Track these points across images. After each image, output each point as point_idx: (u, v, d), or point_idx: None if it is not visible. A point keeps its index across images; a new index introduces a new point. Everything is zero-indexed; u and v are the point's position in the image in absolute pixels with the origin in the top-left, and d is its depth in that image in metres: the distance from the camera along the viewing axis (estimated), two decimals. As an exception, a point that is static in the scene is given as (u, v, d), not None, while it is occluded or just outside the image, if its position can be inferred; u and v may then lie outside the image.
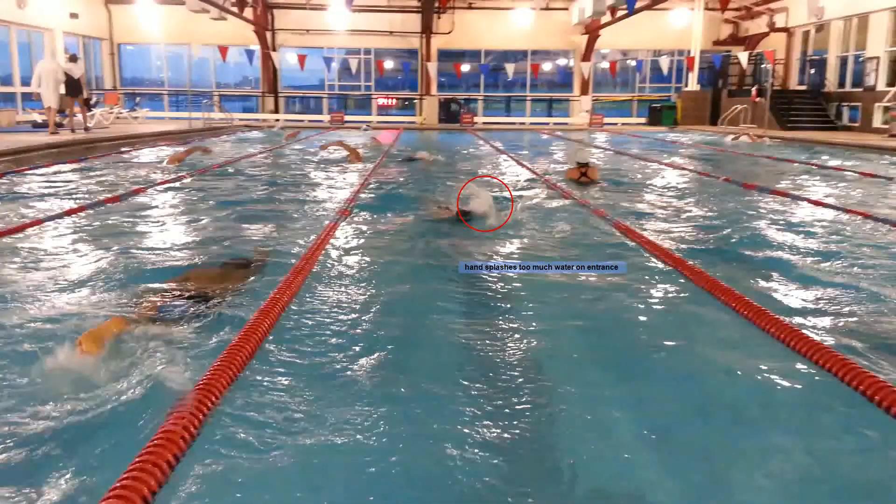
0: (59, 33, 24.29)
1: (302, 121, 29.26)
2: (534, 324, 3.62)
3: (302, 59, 27.24)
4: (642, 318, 3.75)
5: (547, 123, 29.65)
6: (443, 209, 6.80)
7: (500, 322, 3.65)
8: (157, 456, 1.97)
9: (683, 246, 5.59)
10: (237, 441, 2.34)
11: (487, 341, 3.35)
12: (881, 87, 21.53)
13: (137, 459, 1.95)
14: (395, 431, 2.46)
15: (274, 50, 28.94)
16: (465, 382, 2.89)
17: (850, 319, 3.73)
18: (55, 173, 10.17)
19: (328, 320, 3.60)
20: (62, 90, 16.36)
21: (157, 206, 7.40)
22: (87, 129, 17.47)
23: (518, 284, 4.36)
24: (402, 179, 9.96)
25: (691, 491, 2.17)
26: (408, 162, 12.43)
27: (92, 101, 21.06)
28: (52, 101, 15.88)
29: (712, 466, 2.30)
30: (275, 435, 2.40)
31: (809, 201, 8.00)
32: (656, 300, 4.05)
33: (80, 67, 17.10)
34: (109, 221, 6.38)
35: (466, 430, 2.48)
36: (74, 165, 11.29)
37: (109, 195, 7.86)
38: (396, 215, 6.83)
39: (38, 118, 19.02)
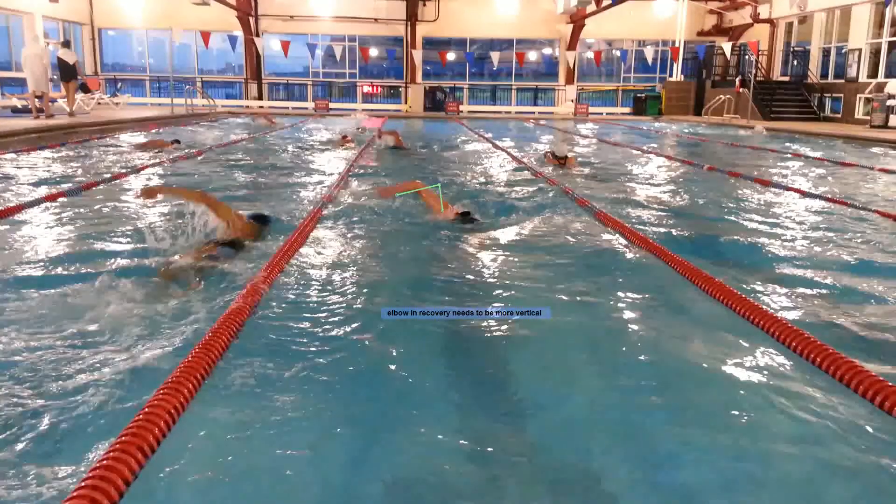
0: (39, 17, 23.90)
1: (286, 108, 29.07)
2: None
3: (286, 45, 27.01)
4: (620, 305, 3.77)
5: (532, 112, 29.66)
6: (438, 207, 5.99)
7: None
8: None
9: (663, 232, 5.62)
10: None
11: (465, 326, 3.36)
12: (863, 78, 21.73)
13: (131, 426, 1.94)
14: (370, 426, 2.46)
15: (257, 36, 28.68)
16: (444, 371, 2.91)
17: (828, 306, 3.78)
18: (39, 158, 10.04)
19: (307, 308, 3.59)
20: (50, 74, 16.29)
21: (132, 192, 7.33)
22: (72, 114, 17.33)
23: (502, 271, 4.37)
24: (383, 169, 9.91)
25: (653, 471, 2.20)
26: (390, 149, 12.37)
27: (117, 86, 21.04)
28: (36, 85, 15.71)
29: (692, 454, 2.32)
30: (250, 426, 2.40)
31: (791, 189, 8.08)
32: (637, 288, 4.07)
33: (73, 53, 17.19)
34: (87, 207, 6.31)
35: (445, 424, 2.49)
36: (55, 150, 11.14)
37: (86, 181, 7.77)
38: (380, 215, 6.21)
39: (18, 103, 18.76)
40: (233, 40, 26.90)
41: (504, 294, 3.90)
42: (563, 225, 5.76)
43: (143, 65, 30.57)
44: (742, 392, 2.70)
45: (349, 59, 30.36)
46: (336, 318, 3.39)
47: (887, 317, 3.61)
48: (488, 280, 4.17)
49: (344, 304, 3.60)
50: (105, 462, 1.82)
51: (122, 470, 1.79)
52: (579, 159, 11.03)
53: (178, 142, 12.39)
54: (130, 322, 3.21)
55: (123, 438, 1.94)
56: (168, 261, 4.17)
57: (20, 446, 2.19)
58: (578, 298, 3.81)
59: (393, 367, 2.89)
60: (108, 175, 8.31)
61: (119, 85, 28.23)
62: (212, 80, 31.02)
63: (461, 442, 2.32)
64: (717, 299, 3.66)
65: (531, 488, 2.09)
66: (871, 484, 2.15)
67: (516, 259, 4.64)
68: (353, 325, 3.30)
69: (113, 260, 4.43)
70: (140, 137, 13.81)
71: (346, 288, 3.90)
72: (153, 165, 9.48)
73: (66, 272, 4.15)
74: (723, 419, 2.51)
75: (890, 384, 2.50)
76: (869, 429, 2.40)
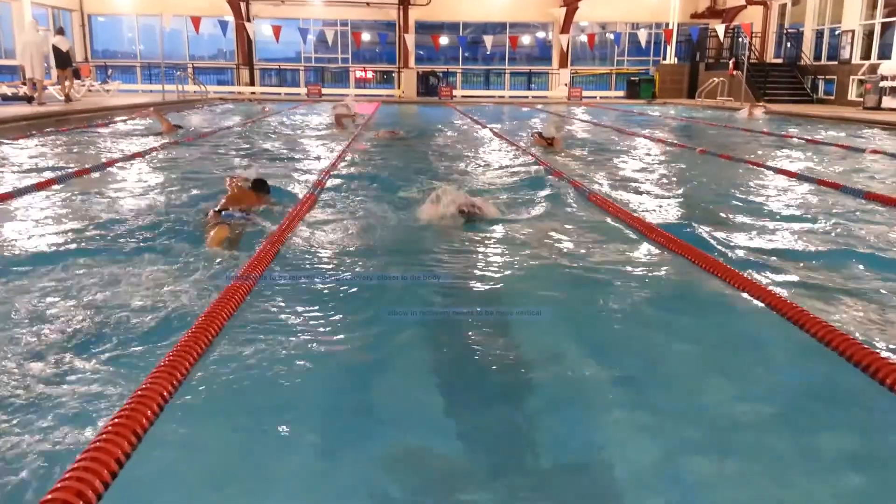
0: (27, 4, 23.63)
1: (279, 93, 28.91)
2: (508, 291, 3.65)
3: (277, 30, 26.80)
4: (617, 284, 3.79)
5: (526, 97, 29.57)
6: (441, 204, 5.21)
7: (473, 292, 3.67)
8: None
9: (652, 212, 5.65)
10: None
11: (461, 308, 3.37)
12: (856, 60, 21.71)
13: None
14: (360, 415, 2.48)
15: (248, 21, 28.45)
16: (436, 357, 2.93)
17: (812, 273, 3.81)
18: (32, 145, 9.99)
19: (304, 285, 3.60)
20: (46, 62, 16.58)
21: (133, 177, 7.31)
22: (68, 99, 17.47)
23: (493, 254, 4.39)
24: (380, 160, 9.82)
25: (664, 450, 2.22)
26: (386, 139, 12.21)
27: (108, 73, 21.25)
28: (34, 72, 15.92)
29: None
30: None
31: (781, 171, 8.10)
32: (633, 267, 4.10)
33: (68, 40, 17.39)
34: (79, 193, 6.29)
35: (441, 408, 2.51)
36: (47, 136, 11.08)
37: (79, 167, 7.73)
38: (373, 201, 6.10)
39: (8, 91, 18.62)
40: (224, 25, 26.67)
41: (499, 284, 3.92)
42: (556, 208, 5.77)
43: (133, 51, 30.31)
44: (733, 363, 2.74)
45: (341, 43, 30.16)
46: (326, 308, 3.40)
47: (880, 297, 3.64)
48: (483, 270, 4.18)
49: (335, 284, 3.62)
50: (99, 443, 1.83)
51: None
52: (569, 141, 11.17)
53: (178, 127, 12.52)
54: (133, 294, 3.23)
55: (115, 421, 1.95)
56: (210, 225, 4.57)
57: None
58: (573, 276, 3.83)
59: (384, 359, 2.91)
60: (115, 158, 8.28)
61: (109, 72, 28.00)
62: (203, 66, 30.78)
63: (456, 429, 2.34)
64: (709, 272, 3.69)
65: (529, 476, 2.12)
66: None
67: (506, 241, 4.65)
68: (344, 319, 3.31)
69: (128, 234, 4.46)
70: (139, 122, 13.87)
71: (338, 270, 3.91)
72: (153, 150, 9.44)
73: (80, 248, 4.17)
74: (715, 393, 2.55)
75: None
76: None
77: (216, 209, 4.88)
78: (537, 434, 2.30)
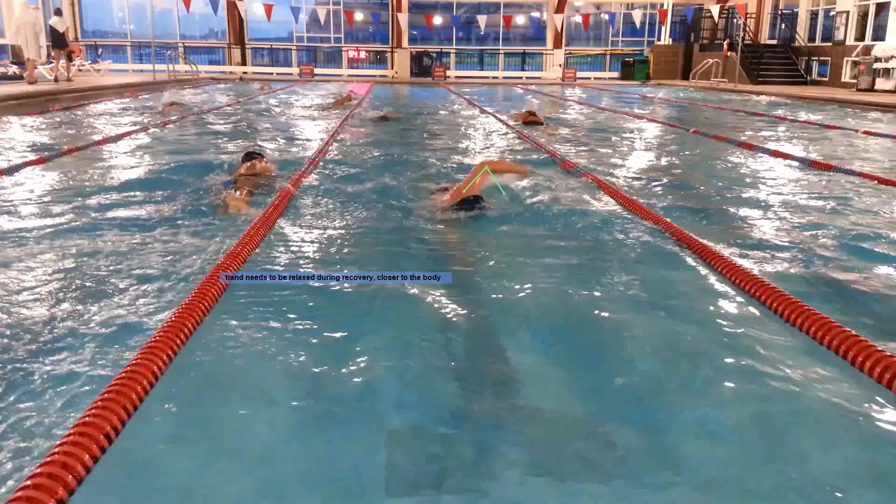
0: (15, -18, 23.32)
1: (270, 73, 28.68)
2: (497, 272, 3.66)
3: (269, 8, 26.51)
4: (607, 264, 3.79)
5: (520, 78, 29.42)
6: (443, 193, 5.07)
7: (465, 275, 3.67)
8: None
9: (639, 188, 5.65)
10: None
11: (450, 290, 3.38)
12: (850, 41, 21.67)
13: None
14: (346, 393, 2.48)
15: None
16: (428, 335, 2.93)
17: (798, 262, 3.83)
18: (19, 125, 9.90)
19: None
20: (42, 42, 16.79)
21: (133, 151, 7.26)
22: (67, 80, 17.77)
23: (485, 238, 4.39)
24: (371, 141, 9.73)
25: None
26: (379, 121, 11.98)
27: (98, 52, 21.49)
28: (28, 51, 16.13)
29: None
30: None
31: (774, 153, 8.10)
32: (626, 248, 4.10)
33: (65, 21, 17.71)
34: (76, 170, 6.26)
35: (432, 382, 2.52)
36: (38, 117, 10.98)
37: (68, 146, 7.68)
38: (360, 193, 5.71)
39: (-1, 70, 18.55)
40: (214, 4, 26.32)
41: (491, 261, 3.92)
42: (547, 185, 5.77)
43: (123, 31, 30.00)
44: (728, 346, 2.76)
45: (334, 23, 29.90)
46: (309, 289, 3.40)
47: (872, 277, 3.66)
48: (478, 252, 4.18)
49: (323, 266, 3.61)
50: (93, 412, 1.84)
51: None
52: (558, 121, 11.67)
53: (177, 104, 12.96)
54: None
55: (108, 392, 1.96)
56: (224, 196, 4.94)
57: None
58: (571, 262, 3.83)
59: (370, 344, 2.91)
60: (113, 134, 8.23)
61: (100, 51, 27.70)
62: (194, 45, 30.49)
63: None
64: (698, 256, 3.70)
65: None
66: None
67: (496, 223, 4.65)
68: (330, 300, 3.31)
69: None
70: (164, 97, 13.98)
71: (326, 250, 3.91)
72: (154, 127, 9.38)
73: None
74: (708, 375, 2.56)
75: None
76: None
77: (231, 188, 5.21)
78: (523, 409, 2.32)
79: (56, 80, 17.47)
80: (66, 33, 17.62)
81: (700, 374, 2.56)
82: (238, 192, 5.01)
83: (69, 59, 18.63)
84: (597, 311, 3.11)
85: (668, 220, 4.48)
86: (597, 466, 2.00)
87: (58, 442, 1.76)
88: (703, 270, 3.59)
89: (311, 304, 3.11)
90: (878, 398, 2.32)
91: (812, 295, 3.28)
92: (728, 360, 2.63)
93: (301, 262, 3.72)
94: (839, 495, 1.88)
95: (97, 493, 1.70)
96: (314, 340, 2.75)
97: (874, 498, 1.88)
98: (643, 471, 1.97)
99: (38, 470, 1.63)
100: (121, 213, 4.71)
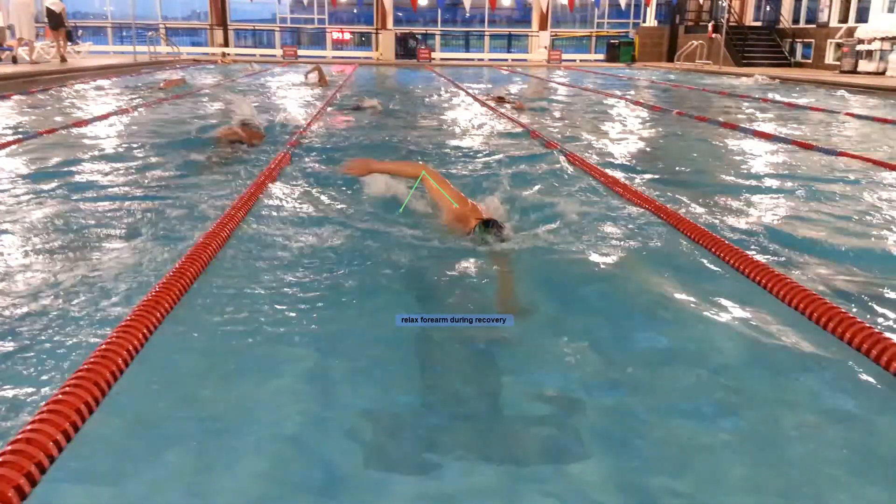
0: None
1: (253, 55, 28.37)
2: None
3: (252, -11, 26.25)
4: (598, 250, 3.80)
5: (506, 60, 29.29)
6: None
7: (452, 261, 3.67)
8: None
9: (633, 174, 5.66)
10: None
11: (432, 267, 3.37)
12: (834, 23, 21.73)
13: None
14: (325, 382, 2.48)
15: (222, -20, 27.79)
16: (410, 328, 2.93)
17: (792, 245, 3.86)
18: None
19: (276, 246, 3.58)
20: (35, 22, 17.34)
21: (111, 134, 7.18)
22: (63, 60, 18.01)
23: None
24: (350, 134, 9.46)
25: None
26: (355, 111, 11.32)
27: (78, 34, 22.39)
28: (22, 32, 16.52)
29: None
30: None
31: (757, 133, 8.14)
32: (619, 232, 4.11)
33: (61, 3, 17.78)
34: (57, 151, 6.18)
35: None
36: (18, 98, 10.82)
37: (45, 128, 7.58)
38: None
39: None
40: (196, -15, 26.03)
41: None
42: (533, 167, 5.77)
43: (104, 12, 29.54)
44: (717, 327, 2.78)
45: (317, 3, 29.59)
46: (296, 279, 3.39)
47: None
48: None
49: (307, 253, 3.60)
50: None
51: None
52: (538, 102, 12.17)
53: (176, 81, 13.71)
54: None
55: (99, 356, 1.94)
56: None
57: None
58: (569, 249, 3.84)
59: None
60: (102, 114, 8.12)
61: (80, 33, 27.25)
62: (176, 26, 30.12)
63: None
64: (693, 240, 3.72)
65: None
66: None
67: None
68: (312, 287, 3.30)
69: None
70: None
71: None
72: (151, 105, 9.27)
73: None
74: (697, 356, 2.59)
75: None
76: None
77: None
78: (506, 388, 2.33)
79: (63, 59, 17.93)
80: (63, 14, 17.77)
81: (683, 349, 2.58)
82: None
83: (69, 38, 18.85)
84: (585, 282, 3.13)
85: (647, 194, 4.50)
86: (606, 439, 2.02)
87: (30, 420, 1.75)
88: (685, 244, 3.61)
89: (294, 288, 3.08)
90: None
91: (788, 263, 3.33)
92: (714, 334, 2.65)
93: (286, 243, 3.70)
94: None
95: (69, 471, 1.70)
96: (295, 316, 2.74)
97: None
98: (644, 457, 1.99)
99: (9, 447, 1.62)
100: (101, 187, 4.68)
